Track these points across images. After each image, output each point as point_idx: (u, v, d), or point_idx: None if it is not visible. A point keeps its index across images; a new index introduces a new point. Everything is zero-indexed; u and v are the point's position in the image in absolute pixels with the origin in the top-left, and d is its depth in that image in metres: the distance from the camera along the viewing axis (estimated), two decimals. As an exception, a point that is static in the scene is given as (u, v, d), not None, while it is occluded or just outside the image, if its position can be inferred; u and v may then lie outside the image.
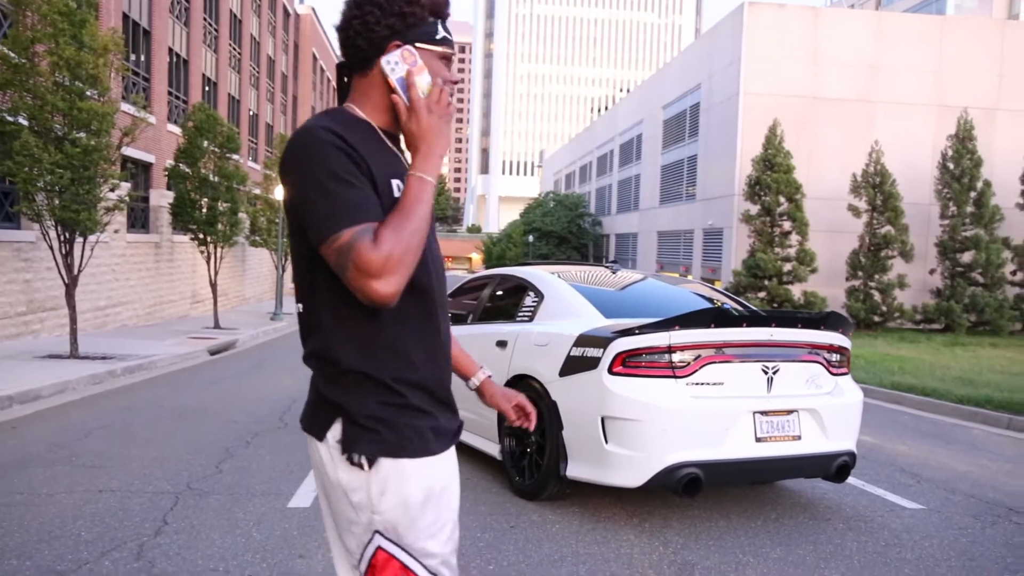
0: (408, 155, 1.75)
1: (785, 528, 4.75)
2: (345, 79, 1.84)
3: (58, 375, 10.33)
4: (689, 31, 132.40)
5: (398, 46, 1.74)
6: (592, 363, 4.73)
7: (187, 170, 19.81)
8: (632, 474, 4.49)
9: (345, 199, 1.57)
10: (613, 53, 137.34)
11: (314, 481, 1.85)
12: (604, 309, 5.35)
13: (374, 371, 1.67)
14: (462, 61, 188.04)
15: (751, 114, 29.47)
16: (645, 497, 5.24)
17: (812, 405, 4.79)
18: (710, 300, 6.21)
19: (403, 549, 1.69)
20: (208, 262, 20.68)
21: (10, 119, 11.94)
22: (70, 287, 12.74)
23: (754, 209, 25.16)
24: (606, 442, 4.59)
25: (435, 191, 1.69)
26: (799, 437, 4.71)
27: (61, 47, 11.95)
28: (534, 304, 5.84)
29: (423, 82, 1.73)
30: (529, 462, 5.23)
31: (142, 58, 22.15)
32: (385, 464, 1.67)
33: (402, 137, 1.80)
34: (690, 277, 34.39)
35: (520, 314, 5.93)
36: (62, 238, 12.61)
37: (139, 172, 21.67)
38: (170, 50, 24.12)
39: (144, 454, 6.32)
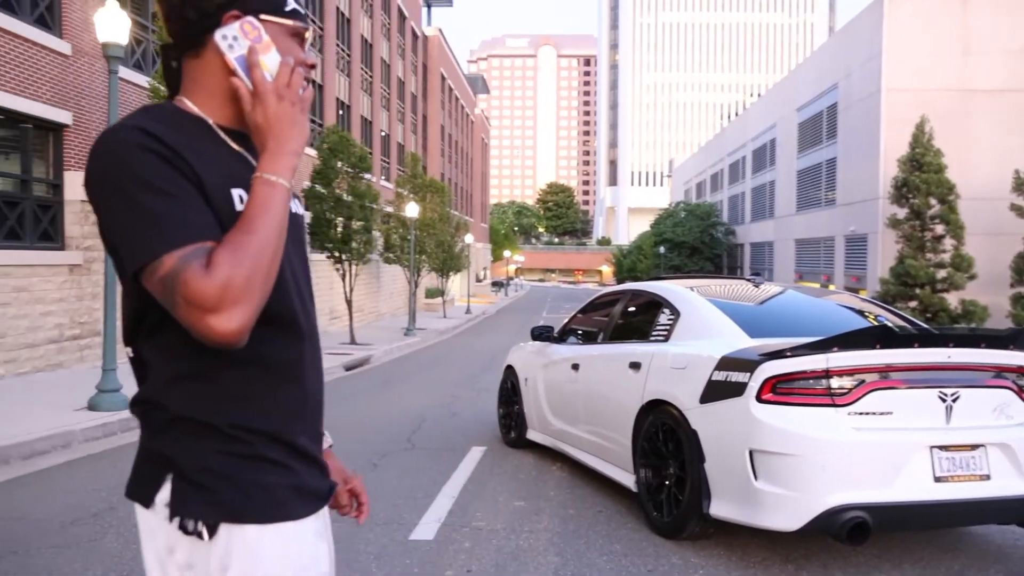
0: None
1: (969, 580, 4.12)
2: (173, 63, 1.43)
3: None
4: (822, 29, 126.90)
5: (236, 17, 1.37)
6: (737, 389, 4.26)
7: (322, 190, 20.39)
8: (787, 516, 3.98)
9: (161, 215, 1.21)
10: (741, 57, 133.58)
11: (151, 566, 1.38)
12: (748, 327, 4.85)
13: (211, 416, 1.31)
14: (587, 74, 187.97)
15: (894, 111, 27.72)
16: (801, 540, 4.68)
17: (1002, 439, 4.13)
18: (861, 313, 5.59)
19: None
20: (344, 279, 21.19)
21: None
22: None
23: (901, 213, 23.59)
24: (755, 479, 4.11)
25: (289, 196, 1.31)
26: (988, 476, 4.06)
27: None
28: (670, 322, 5.40)
29: (270, 62, 1.36)
30: (668, 496, 4.79)
31: (280, 84, 23.01)
32: (228, 532, 1.29)
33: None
34: (832, 287, 32.63)
35: (654, 333, 5.51)
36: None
37: (278, 194, 22.45)
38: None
39: (273, 476, 6.28)
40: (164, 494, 1.32)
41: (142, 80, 14.08)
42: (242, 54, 1.35)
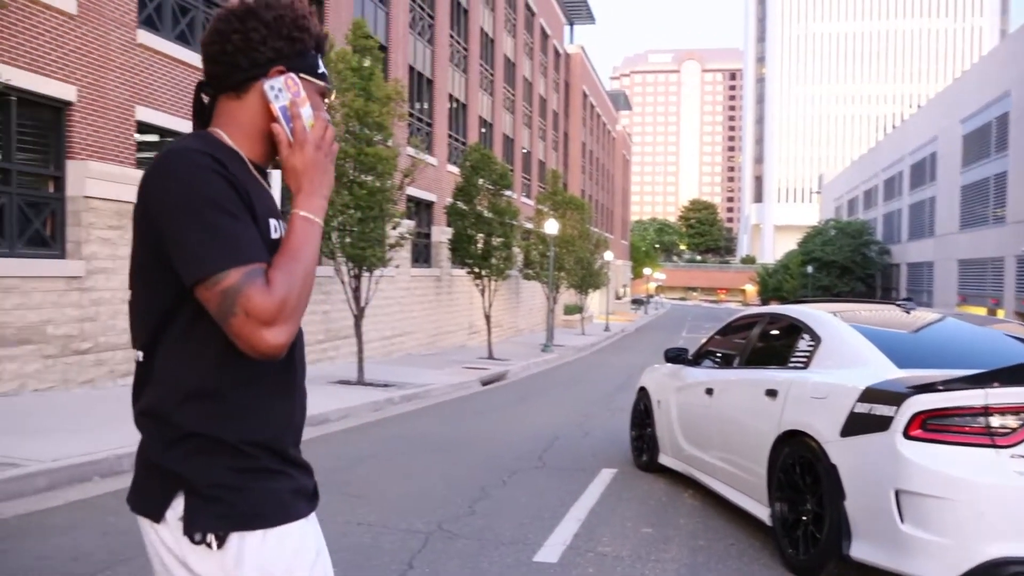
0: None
1: None
2: (205, 99, 1.59)
3: (344, 401, 11.07)
4: (991, 34, 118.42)
5: (282, 72, 1.55)
6: (882, 423, 3.98)
7: (464, 207, 20.86)
8: (939, 565, 3.66)
9: (232, 234, 1.35)
10: (899, 66, 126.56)
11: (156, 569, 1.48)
12: (896, 357, 4.54)
13: (221, 432, 1.42)
14: (732, 88, 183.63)
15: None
16: (952, 587, 4.32)
17: None
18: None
19: None
20: (483, 294, 21.56)
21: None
22: (358, 318, 13.72)
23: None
24: (902, 521, 3.82)
25: (321, 232, 1.49)
26: None
27: (351, 99, 13.01)
28: (810, 348, 5.14)
29: (307, 114, 1.55)
30: (804, 533, 4.53)
31: (425, 105, 23.77)
32: (240, 539, 1.40)
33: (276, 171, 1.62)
34: (1001, 313, 30.24)
35: (793, 359, 5.26)
36: (352, 273, 13.65)
37: (421, 210, 23.16)
38: (450, 96, 25.70)
39: (404, 487, 6.41)
40: (176, 510, 1.40)
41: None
42: (284, 105, 1.53)
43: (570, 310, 39.00)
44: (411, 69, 22.14)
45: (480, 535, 5.12)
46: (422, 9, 23.29)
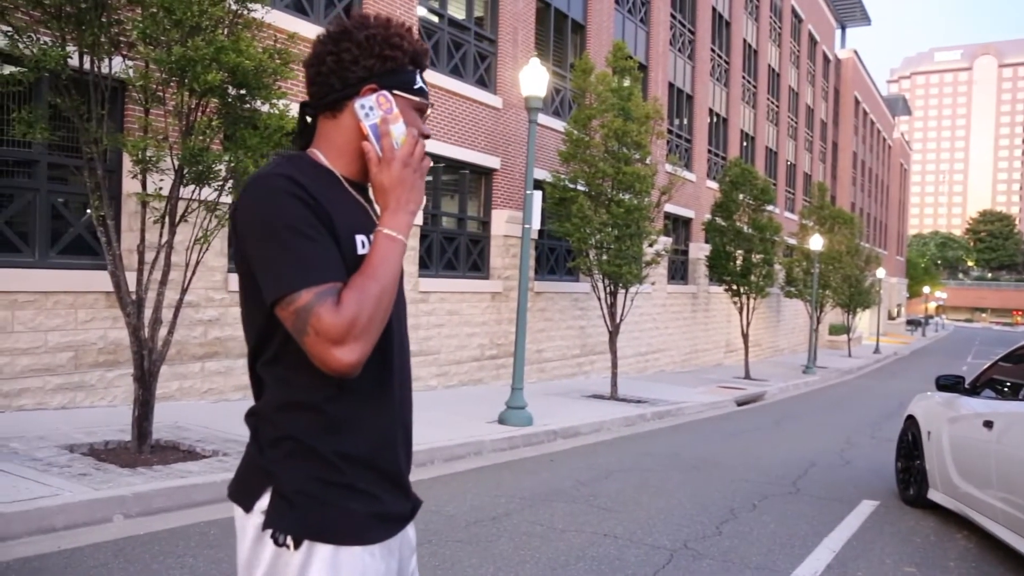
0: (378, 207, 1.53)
1: None
2: (309, 118, 1.65)
3: (597, 414, 11.38)
4: None
5: (374, 90, 1.58)
6: None
7: (722, 223, 20.50)
8: None
9: (304, 255, 1.40)
10: None
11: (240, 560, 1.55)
12: None
13: (315, 441, 1.48)
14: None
15: None
16: None
17: None
18: None
19: None
20: (741, 312, 21.03)
21: (571, 187, 13.70)
22: (613, 334, 14.01)
23: None
24: None
25: (404, 251, 1.50)
26: None
27: (611, 119, 13.36)
28: (1111, 384, 4.57)
29: (398, 131, 1.56)
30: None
31: (685, 121, 23.69)
32: (309, 547, 1.45)
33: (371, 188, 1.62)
34: None
35: (1090, 395, 4.70)
36: (608, 289, 13.97)
37: (679, 227, 23.08)
38: (710, 111, 25.40)
39: (652, 503, 6.51)
40: (263, 503, 1.50)
41: (558, 125, 15.52)
42: (375, 123, 1.57)
43: (836, 330, 36.72)
44: (671, 86, 22.19)
45: (726, 556, 5.11)
46: (683, 25, 23.27)
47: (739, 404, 15.84)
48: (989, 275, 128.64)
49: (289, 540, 1.47)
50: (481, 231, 14.40)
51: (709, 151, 25.34)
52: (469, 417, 9.98)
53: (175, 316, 6.70)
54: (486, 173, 14.35)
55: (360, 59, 1.58)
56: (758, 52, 30.11)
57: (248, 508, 1.53)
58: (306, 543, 1.46)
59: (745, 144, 28.95)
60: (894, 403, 16.46)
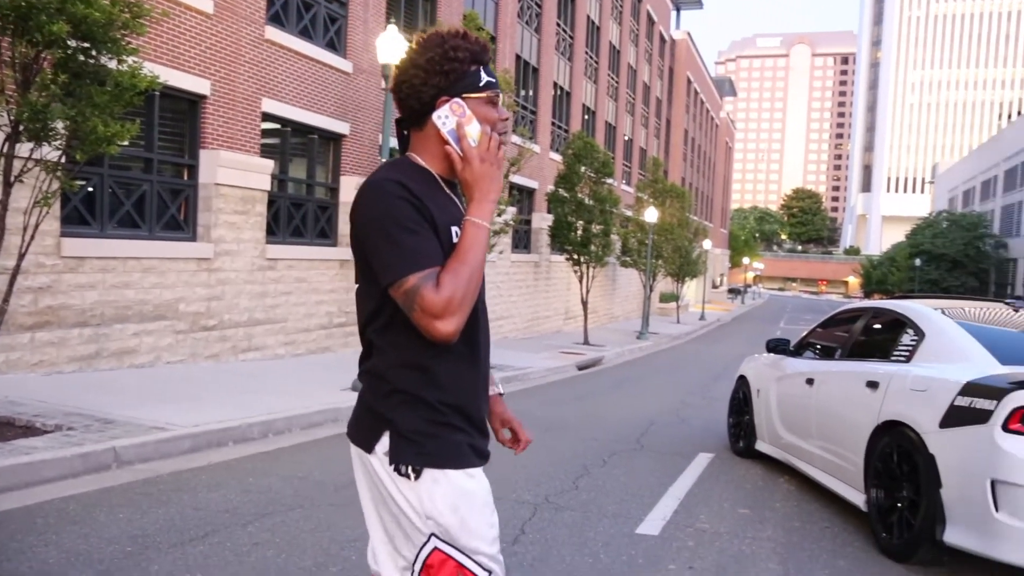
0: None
1: None
2: (405, 132, 1.97)
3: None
4: None
5: (447, 100, 1.85)
6: (982, 416, 4.11)
7: (565, 194, 21.13)
8: (1030, 552, 3.81)
9: (410, 247, 1.72)
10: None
11: (363, 490, 1.95)
12: (1000, 354, 4.63)
13: (422, 393, 1.81)
14: (843, 73, 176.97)
15: None
16: (1049, 579, 4.41)
17: None
18: None
19: (458, 549, 1.82)
20: (581, 281, 21.83)
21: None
22: (461, 302, 14.21)
23: None
24: (996, 510, 3.95)
25: (489, 234, 1.81)
26: None
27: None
28: (913, 343, 5.25)
29: (473, 131, 1.84)
30: (899, 519, 4.69)
31: (531, 93, 24.11)
32: (433, 474, 1.80)
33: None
34: None
35: (896, 353, 5.38)
36: (456, 258, 14.13)
37: (524, 198, 23.56)
38: (555, 84, 25.96)
39: (510, 463, 6.74)
40: (383, 444, 1.83)
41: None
42: (452, 128, 1.83)
43: (666, 298, 38.82)
44: (518, 58, 22.51)
45: (585, 508, 5.46)
46: (528, -2, 23.61)
47: (580, 369, 16.53)
48: (800, 248, 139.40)
49: (410, 470, 1.80)
50: (329, 198, 14.17)
51: (553, 124, 25.96)
52: (322, 385, 9.92)
53: (11, 283, 6.27)
54: (335, 139, 14.10)
55: (428, 80, 1.85)
56: (600, 29, 31.00)
57: (369, 449, 1.85)
58: (427, 471, 1.80)
59: (587, 118, 29.84)
60: (720, 366, 17.72)
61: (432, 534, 1.82)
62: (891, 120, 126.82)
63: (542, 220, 23.85)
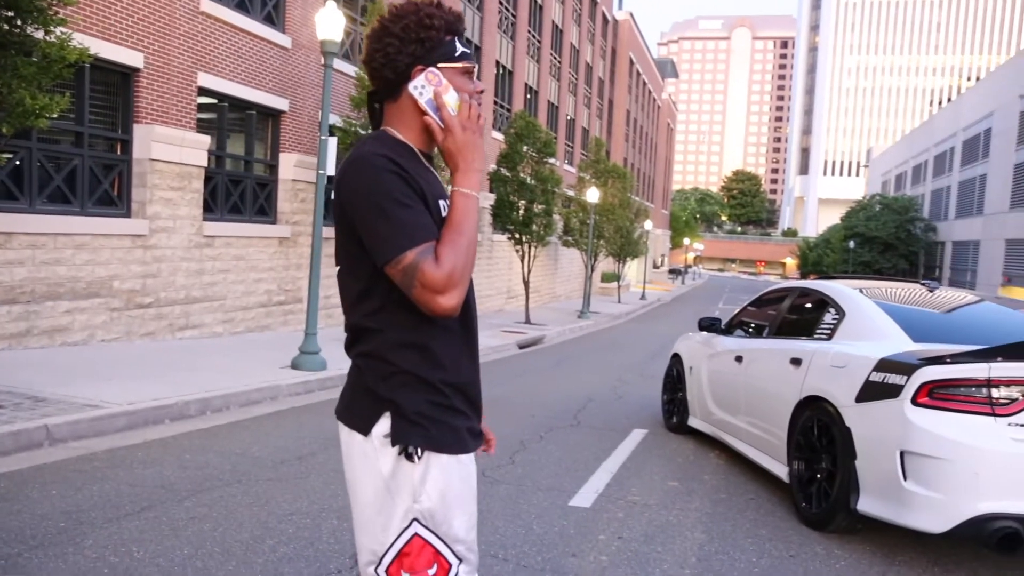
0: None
1: None
2: (376, 105, 1.90)
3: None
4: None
5: (421, 70, 1.80)
6: (893, 391, 4.34)
7: (507, 174, 21.18)
8: (934, 518, 4.05)
9: (405, 221, 1.66)
10: (959, 38, 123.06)
11: (354, 473, 1.84)
12: (913, 332, 4.88)
13: (425, 373, 1.77)
14: (783, 57, 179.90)
15: None
16: (954, 546, 4.69)
17: None
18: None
19: (437, 536, 1.79)
20: (523, 260, 21.95)
21: (363, 133, 13.63)
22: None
23: None
24: (905, 479, 4.20)
25: (479, 204, 1.73)
26: None
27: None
28: (834, 321, 5.49)
29: (452, 100, 1.78)
30: (818, 489, 4.93)
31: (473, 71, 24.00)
32: (430, 457, 1.77)
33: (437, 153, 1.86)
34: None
35: (819, 331, 5.61)
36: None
37: (465, 176, 23.49)
38: (497, 63, 25.91)
39: (449, 439, 6.90)
40: (382, 426, 1.77)
41: (350, 70, 15.30)
42: (430, 98, 1.78)
43: (608, 278, 39.26)
44: (459, 36, 22.39)
45: (520, 482, 5.59)
46: (471, -25, 23.47)
47: (521, 347, 16.69)
48: (739, 229, 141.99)
49: (415, 452, 1.76)
50: (268, 175, 13.99)
51: (496, 103, 25.93)
52: (261, 363, 9.86)
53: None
54: (274, 115, 13.90)
55: (403, 48, 1.80)
56: (543, 8, 30.98)
57: (366, 432, 1.79)
58: (426, 455, 1.77)
59: (529, 97, 29.87)
60: (659, 345, 18.07)
61: (414, 519, 1.78)
62: (828, 104, 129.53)
63: (484, 199, 23.88)
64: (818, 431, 5.00)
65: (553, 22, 32.50)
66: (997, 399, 4.05)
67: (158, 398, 7.14)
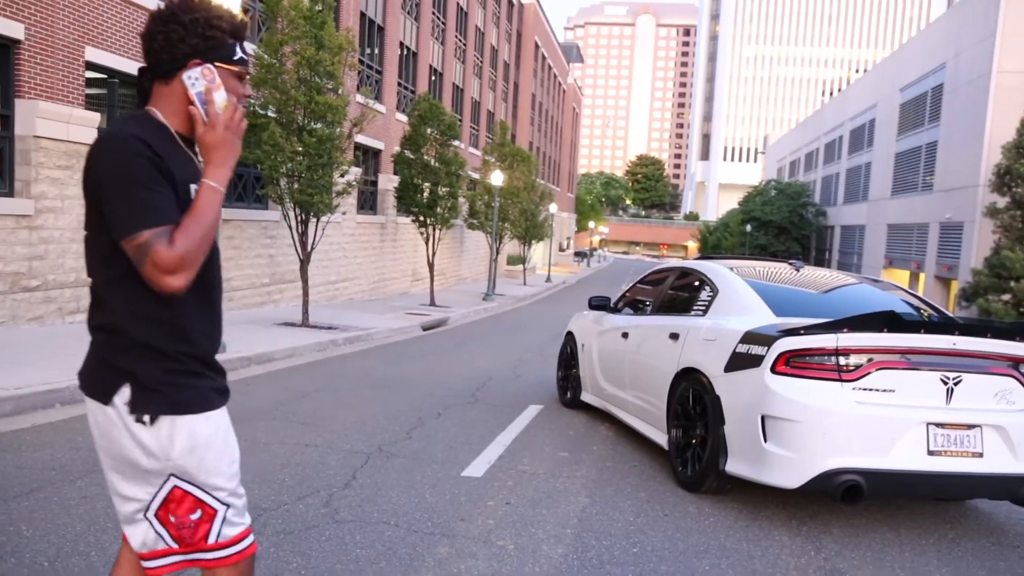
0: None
1: (960, 550, 4.50)
2: (146, 83, 2.02)
3: (290, 341, 11.59)
4: (940, 4, 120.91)
5: (198, 64, 1.94)
6: (755, 361, 4.73)
7: (411, 156, 21.19)
8: (789, 475, 4.46)
9: (146, 203, 1.81)
10: (849, 31, 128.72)
11: (102, 442, 2.01)
12: (776, 307, 5.29)
13: (160, 343, 1.93)
14: (686, 45, 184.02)
15: (1004, 95, 26.87)
16: (810, 501, 5.15)
17: (999, 422, 4.48)
18: (904, 302, 5.91)
19: (196, 486, 1.97)
20: (427, 243, 22.03)
21: (261, 112, 13.45)
22: (304, 263, 14.16)
23: (1002, 202, 22.94)
24: (765, 441, 4.59)
25: (223, 198, 1.94)
26: (980, 454, 4.43)
27: (303, 48, 13.26)
28: (709, 298, 5.87)
29: (220, 99, 1.93)
30: (693, 454, 5.31)
31: (376, 52, 23.84)
32: (172, 419, 1.93)
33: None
34: (922, 277, 31.82)
35: (695, 308, 5.99)
36: (299, 218, 14.03)
37: (369, 158, 23.42)
38: (401, 44, 25.77)
39: (347, 417, 7.04)
40: (123, 396, 1.92)
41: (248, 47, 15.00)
42: (200, 91, 1.92)
43: (513, 260, 39.69)
44: (362, 16, 22.19)
45: (415, 455, 5.79)
46: (374, -45, 23.24)
47: (425, 329, 16.83)
48: (643, 213, 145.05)
49: (147, 418, 1.91)
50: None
51: (399, 84, 25.81)
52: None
53: None
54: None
55: (186, 38, 1.92)
56: (448, -10, 30.91)
57: (107, 401, 1.93)
58: (164, 419, 1.92)
59: (433, 79, 29.82)
60: (560, 326, 18.41)
61: (171, 474, 1.95)
62: (728, 92, 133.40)
63: (388, 181, 23.81)
64: (693, 400, 5.37)
65: (458, 4, 32.47)
66: (844, 366, 4.48)
67: (47, 382, 7.01)
